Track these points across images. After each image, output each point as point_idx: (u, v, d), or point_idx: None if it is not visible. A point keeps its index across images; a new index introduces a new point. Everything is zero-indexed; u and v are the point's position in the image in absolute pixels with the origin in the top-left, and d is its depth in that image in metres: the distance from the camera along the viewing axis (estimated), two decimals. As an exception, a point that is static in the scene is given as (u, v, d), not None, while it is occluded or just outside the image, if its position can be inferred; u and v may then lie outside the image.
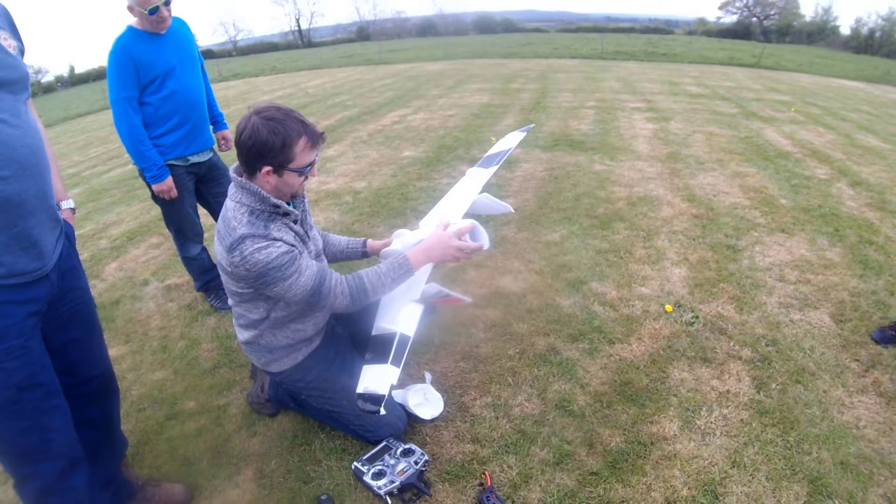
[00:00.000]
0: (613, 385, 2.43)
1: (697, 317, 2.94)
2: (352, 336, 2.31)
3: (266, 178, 1.75)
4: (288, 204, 1.87)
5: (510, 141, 2.84)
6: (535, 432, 2.17)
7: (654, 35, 42.74)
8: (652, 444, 2.12)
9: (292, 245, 1.77)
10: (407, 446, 2.02)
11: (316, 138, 1.74)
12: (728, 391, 2.40)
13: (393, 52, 29.64)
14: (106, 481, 1.81)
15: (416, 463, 1.95)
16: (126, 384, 2.68)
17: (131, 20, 2.69)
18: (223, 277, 1.88)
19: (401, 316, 1.99)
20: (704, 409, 2.29)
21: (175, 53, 2.78)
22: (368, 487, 1.91)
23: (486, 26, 62.46)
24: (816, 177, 5.38)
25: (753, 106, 9.76)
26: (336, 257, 2.31)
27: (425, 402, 2.26)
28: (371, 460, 1.98)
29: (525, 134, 2.93)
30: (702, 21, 58.80)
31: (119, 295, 3.58)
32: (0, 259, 1.32)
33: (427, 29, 62.88)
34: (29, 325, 1.40)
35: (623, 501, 1.88)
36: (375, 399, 1.73)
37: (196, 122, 2.94)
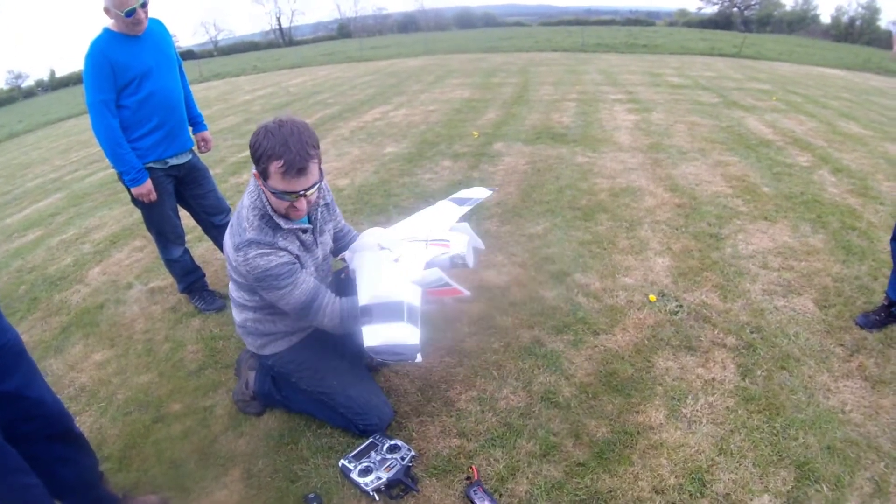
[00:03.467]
0: (599, 376, 2.45)
1: (682, 306, 2.97)
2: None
3: (261, 184, 1.81)
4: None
5: (478, 193, 2.81)
6: (522, 425, 2.19)
7: (636, 27, 42.85)
8: (638, 433, 2.14)
9: (295, 256, 1.86)
10: (393, 442, 2.03)
11: (291, 168, 1.70)
12: (713, 379, 2.42)
13: (374, 49, 29.50)
14: (95, 502, 1.80)
15: (403, 459, 1.95)
16: (111, 388, 2.66)
17: (108, 22, 2.65)
18: (227, 264, 1.95)
19: (403, 290, 1.93)
20: (690, 397, 2.32)
21: (152, 55, 2.75)
22: (356, 485, 1.91)
23: (467, 21, 62.50)
24: (798, 164, 5.43)
25: (735, 95, 9.83)
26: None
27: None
28: (358, 457, 1.98)
29: (491, 192, 2.89)
30: (683, 12, 59.24)
31: (103, 299, 3.55)
32: None
33: (408, 25, 62.74)
34: None
35: (610, 491, 1.90)
36: (401, 350, 1.75)
37: (174, 123, 2.90)
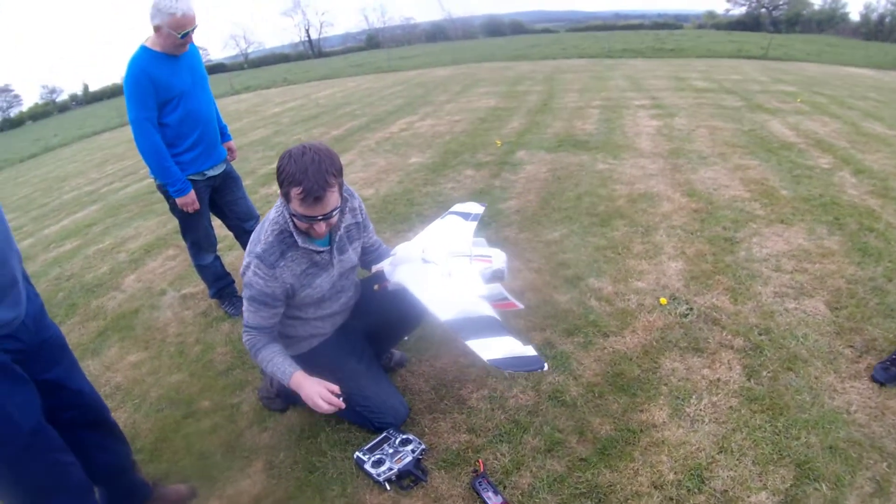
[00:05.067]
0: (606, 376, 2.53)
1: (692, 308, 3.02)
2: (364, 327, 2.45)
3: (284, 204, 1.97)
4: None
5: (474, 208, 2.95)
6: (528, 422, 2.28)
7: (663, 31, 42.53)
8: (641, 431, 2.20)
9: (286, 285, 2.03)
10: (405, 436, 2.15)
11: (308, 196, 1.80)
12: (718, 379, 2.47)
13: (402, 59, 29.87)
14: (128, 488, 1.96)
15: (414, 451, 2.07)
16: (145, 387, 2.84)
17: (146, 39, 2.79)
18: None
19: (482, 305, 2.07)
20: (694, 397, 2.37)
21: (189, 74, 2.91)
22: (368, 475, 2.04)
23: (495, 29, 62.62)
24: (819, 166, 5.40)
25: (759, 98, 9.75)
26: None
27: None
28: (371, 450, 2.11)
29: (483, 208, 3.04)
30: (711, 14, 58.33)
31: (138, 305, 3.76)
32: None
33: (436, 34, 63.11)
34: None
35: (610, 485, 1.97)
36: (526, 361, 1.87)
37: (211, 137, 3.08)
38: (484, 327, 1.96)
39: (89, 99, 51.03)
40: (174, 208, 3.10)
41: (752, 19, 49.18)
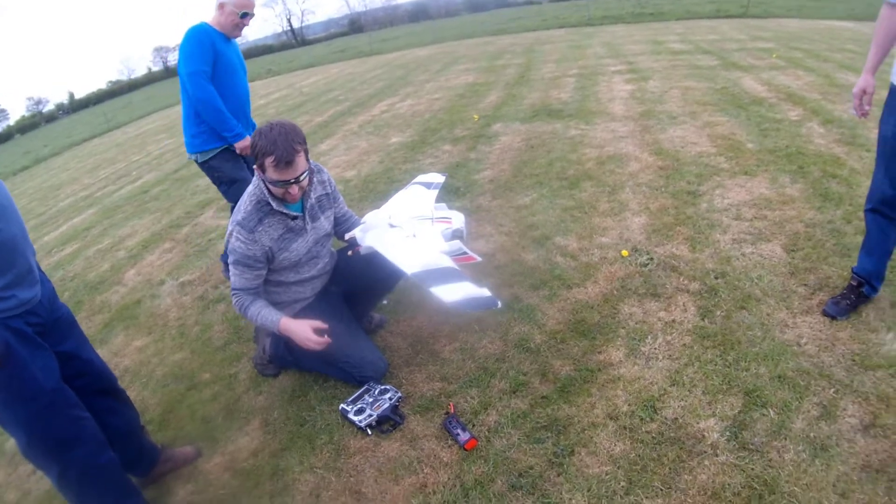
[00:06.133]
0: (568, 324, 2.75)
1: (652, 258, 3.23)
2: (344, 293, 2.72)
3: (260, 175, 2.23)
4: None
5: (436, 178, 3.31)
6: (496, 368, 2.52)
7: (645, -6, 42.15)
8: (599, 370, 2.42)
9: (268, 248, 2.30)
10: (384, 387, 2.38)
11: (280, 161, 2.10)
12: (673, 321, 2.67)
13: (384, 42, 29.83)
14: (139, 449, 2.19)
15: (391, 399, 2.31)
16: (151, 367, 3.08)
17: (208, 17, 3.09)
18: None
19: (442, 258, 2.36)
20: (650, 337, 2.57)
21: (238, 58, 3.22)
22: (352, 423, 2.28)
23: (478, 4, 61.92)
24: (788, 119, 5.55)
25: (735, 56, 9.83)
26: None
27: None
28: (354, 401, 2.35)
29: (444, 177, 3.43)
30: (693, -26, 57.50)
31: (140, 296, 3.99)
32: (15, 293, 1.61)
33: (419, 13, 62.61)
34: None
35: (569, 418, 2.19)
36: (482, 301, 2.16)
37: (247, 118, 3.38)
38: (445, 276, 2.22)
39: (76, 107, 50.96)
40: (222, 178, 3.36)
41: (734, -24, 48.45)
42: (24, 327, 1.64)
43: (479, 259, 2.52)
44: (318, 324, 2.30)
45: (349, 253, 2.60)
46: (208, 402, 2.68)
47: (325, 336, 2.30)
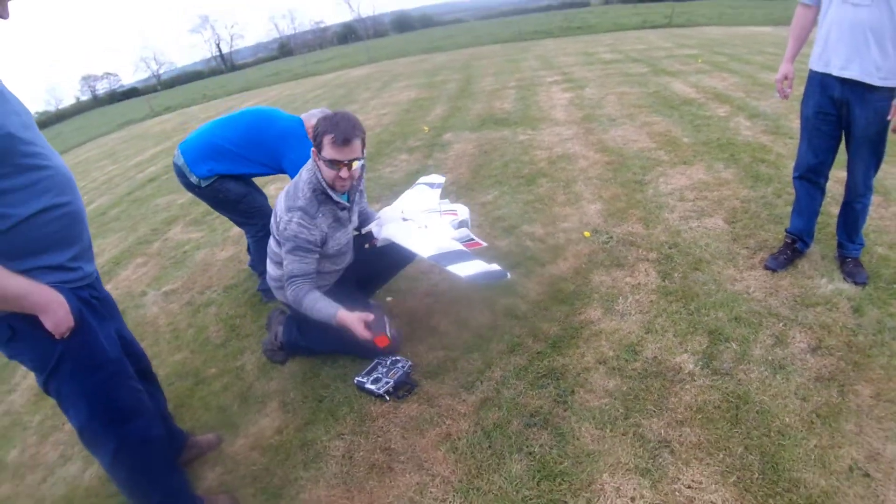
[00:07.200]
0: (547, 293, 3.08)
1: (611, 237, 3.61)
2: (357, 280, 2.93)
3: (316, 158, 2.41)
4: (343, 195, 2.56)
5: (436, 178, 3.65)
6: (491, 334, 2.80)
7: (571, 9, 44.06)
8: (582, 327, 2.77)
9: (324, 233, 2.48)
10: (394, 358, 2.62)
11: (339, 138, 2.28)
12: (639, 283, 3.07)
13: (318, 63, 29.91)
14: (169, 433, 2.29)
15: (403, 367, 2.56)
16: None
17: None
18: (272, 222, 2.59)
19: (452, 244, 2.64)
20: (621, 298, 2.96)
21: None
22: (370, 392, 2.50)
23: (406, 24, 63.07)
24: (717, 115, 6.18)
25: (663, 63, 10.60)
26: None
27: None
28: (368, 374, 2.57)
29: (444, 178, 3.77)
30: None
31: (123, 307, 4.01)
32: (81, 265, 1.71)
33: (347, 35, 63.07)
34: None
35: (564, 366, 2.51)
36: (493, 273, 2.41)
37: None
38: (457, 257, 2.52)
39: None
40: (236, 206, 3.33)
41: (656, -11, 50.89)
42: (91, 299, 1.74)
43: (485, 244, 2.85)
44: (368, 315, 2.43)
45: (366, 246, 2.86)
46: (220, 393, 2.81)
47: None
